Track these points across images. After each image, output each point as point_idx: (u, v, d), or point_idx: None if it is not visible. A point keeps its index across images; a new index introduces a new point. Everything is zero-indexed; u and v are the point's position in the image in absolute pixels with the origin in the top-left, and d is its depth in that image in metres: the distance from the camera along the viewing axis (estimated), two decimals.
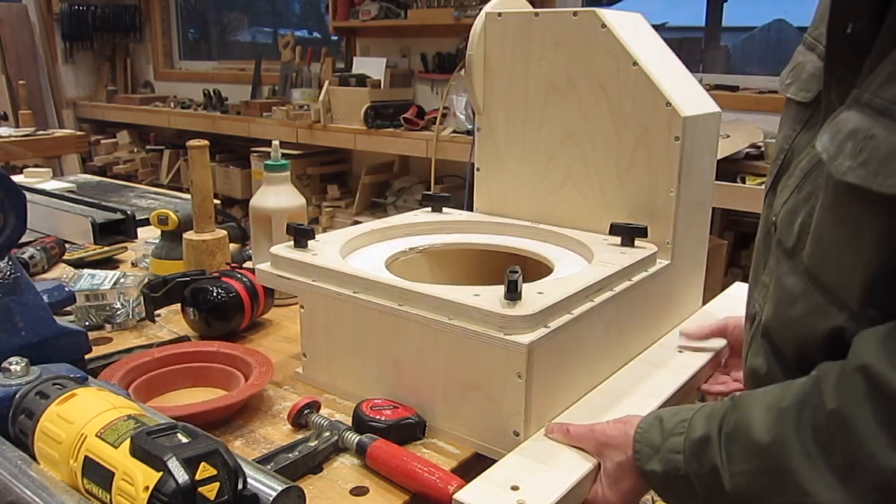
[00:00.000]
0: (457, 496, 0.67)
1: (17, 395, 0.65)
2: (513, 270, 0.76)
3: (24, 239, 0.84)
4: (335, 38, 4.36)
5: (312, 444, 0.77)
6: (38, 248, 1.35)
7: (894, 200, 0.50)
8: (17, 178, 1.98)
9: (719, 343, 1.02)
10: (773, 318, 0.66)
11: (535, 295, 0.78)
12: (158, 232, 1.36)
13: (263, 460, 0.73)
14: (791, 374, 0.62)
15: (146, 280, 1.13)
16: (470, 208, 1.24)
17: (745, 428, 0.59)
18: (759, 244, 0.75)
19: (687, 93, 1.02)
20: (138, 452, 0.53)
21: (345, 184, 4.19)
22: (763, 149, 2.61)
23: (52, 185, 1.95)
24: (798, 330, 0.62)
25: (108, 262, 1.44)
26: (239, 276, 1.10)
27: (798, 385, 0.58)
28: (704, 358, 0.99)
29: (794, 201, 0.64)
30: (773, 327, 0.66)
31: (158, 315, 1.14)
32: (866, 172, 0.52)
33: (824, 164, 0.56)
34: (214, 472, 0.52)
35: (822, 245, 0.58)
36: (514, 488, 0.69)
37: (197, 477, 0.51)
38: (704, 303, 1.19)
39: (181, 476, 0.50)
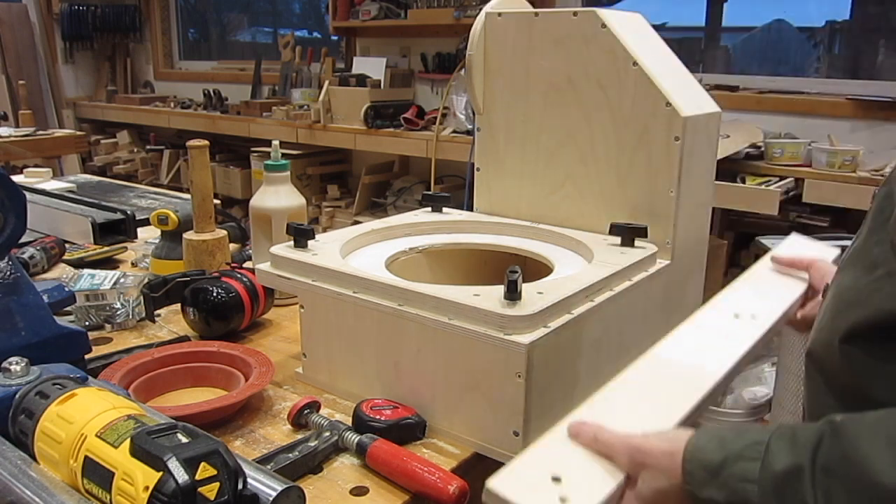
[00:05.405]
0: (490, 485, 0.55)
1: (17, 395, 0.65)
2: (513, 270, 0.76)
3: (24, 239, 0.84)
4: (335, 38, 4.35)
5: (312, 444, 0.77)
6: (38, 248, 1.35)
7: None
8: (17, 178, 1.98)
9: (800, 287, 0.92)
10: (851, 285, 0.65)
11: (535, 295, 0.78)
12: (158, 232, 1.36)
13: (263, 460, 0.73)
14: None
15: (146, 280, 1.13)
16: (470, 208, 1.24)
17: (857, 464, 0.50)
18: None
19: (687, 93, 1.02)
20: (138, 452, 0.53)
21: (345, 184, 4.19)
22: (763, 149, 2.61)
23: (52, 185, 1.95)
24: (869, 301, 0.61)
25: (108, 262, 1.44)
26: (239, 276, 1.10)
27: None
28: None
29: None
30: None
31: (158, 315, 1.14)
32: None
33: None
34: (214, 472, 0.52)
35: None
36: (556, 479, 0.57)
37: (197, 477, 0.51)
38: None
39: (181, 476, 0.50)
